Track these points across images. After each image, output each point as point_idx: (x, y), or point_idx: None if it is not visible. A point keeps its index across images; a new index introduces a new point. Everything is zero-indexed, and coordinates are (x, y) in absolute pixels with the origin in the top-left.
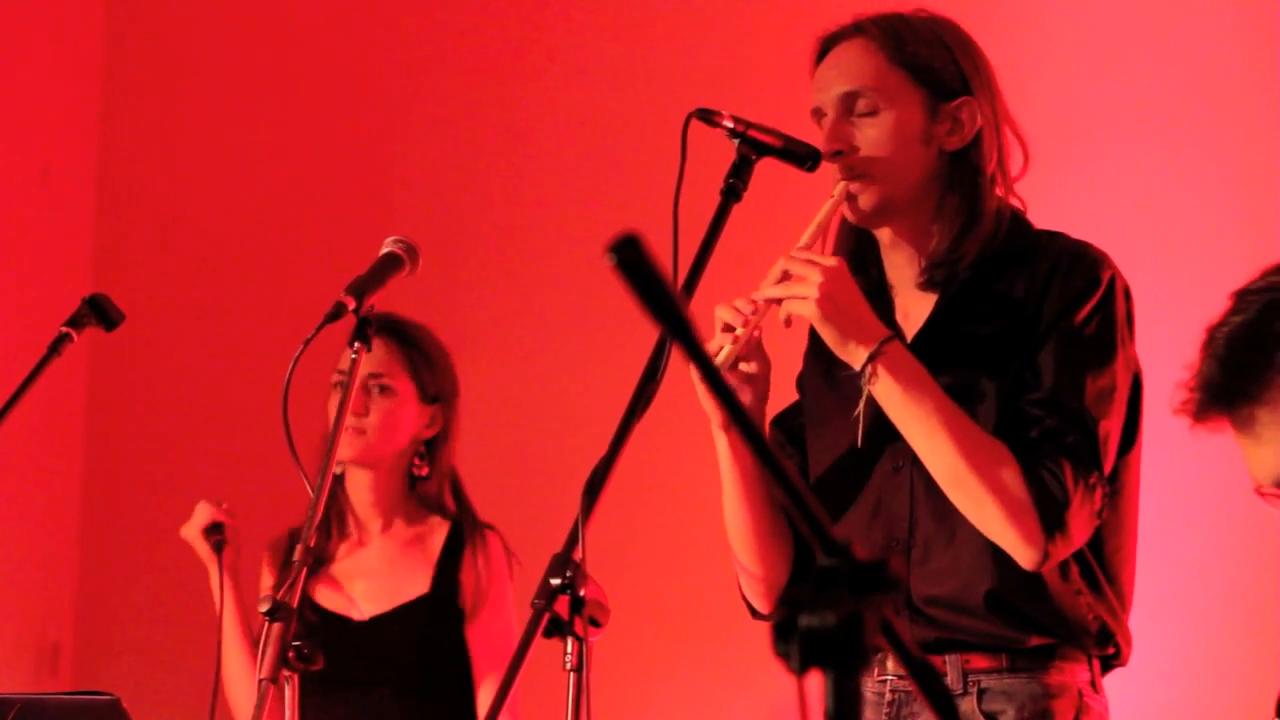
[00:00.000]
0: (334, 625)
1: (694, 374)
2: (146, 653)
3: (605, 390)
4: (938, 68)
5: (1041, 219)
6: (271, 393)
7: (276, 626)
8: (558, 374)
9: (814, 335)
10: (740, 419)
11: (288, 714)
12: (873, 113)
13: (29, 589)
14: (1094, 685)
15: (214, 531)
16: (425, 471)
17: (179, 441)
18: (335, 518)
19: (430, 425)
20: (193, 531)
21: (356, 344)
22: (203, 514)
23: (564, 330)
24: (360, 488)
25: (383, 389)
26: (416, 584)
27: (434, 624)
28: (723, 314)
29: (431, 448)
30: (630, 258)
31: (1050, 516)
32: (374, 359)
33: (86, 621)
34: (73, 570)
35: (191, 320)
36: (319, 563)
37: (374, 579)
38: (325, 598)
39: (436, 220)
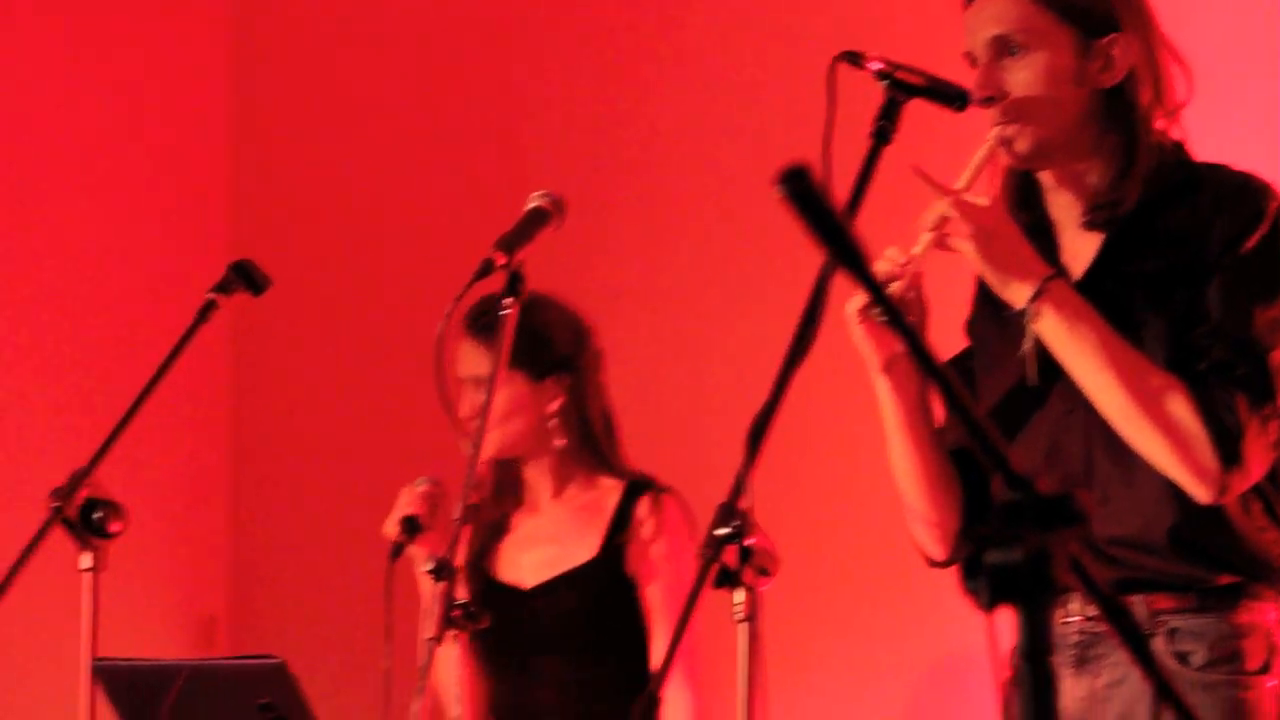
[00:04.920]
0: (506, 595)
1: (851, 314)
2: (303, 621)
3: (763, 339)
4: (1086, 4)
5: (1204, 149)
6: (421, 354)
7: (441, 586)
8: (712, 326)
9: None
10: (914, 343)
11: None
12: (1023, 55)
13: (182, 562)
14: None
15: (405, 529)
16: (564, 443)
17: (327, 409)
18: (511, 486)
19: (552, 399)
20: (390, 526)
21: (508, 299)
22: (400, 504)
23: (714, 281)
24: (526, 462)
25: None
26: (585, 549)
27: (601, 589)
28: (881, 267)
29: (568, 416)
30: (800, 188)
31: (1225, 448)
32: (466, 359)
33: (241, 593)
34: (225, 541)
35: (335, 284)
36: (500, 533)
37: (545, 546)
38: (500, 568)
39: (576, 176)
